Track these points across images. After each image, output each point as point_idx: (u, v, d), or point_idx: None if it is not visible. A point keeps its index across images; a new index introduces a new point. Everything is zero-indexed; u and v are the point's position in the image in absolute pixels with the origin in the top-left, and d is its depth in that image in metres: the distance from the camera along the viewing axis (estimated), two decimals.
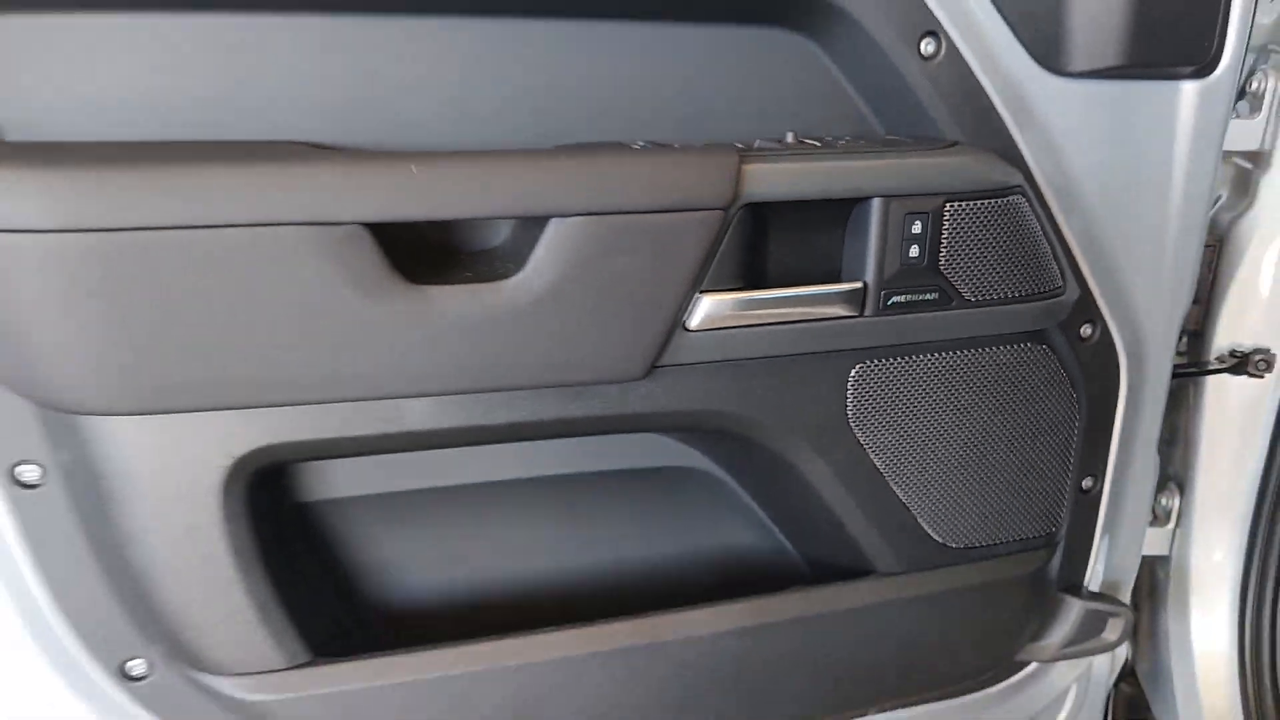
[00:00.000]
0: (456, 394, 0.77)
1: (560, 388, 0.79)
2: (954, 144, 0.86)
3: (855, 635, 0.94)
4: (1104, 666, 1.27)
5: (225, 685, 0.81)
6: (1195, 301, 1.15)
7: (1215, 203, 1.14)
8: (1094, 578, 1.11)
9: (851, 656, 0.95)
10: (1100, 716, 1.31)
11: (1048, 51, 0.88)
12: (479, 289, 0.74)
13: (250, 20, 0.76)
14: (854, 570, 0.95)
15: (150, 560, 0.77)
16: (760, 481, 0.98)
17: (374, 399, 0.75)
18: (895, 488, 0.91)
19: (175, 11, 0.74)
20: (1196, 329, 1.16)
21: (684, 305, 0.78)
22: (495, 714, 0.85)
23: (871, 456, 0.89)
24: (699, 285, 0.78)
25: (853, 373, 0.86)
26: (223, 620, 0.79)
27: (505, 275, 0.75)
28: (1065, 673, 1.19)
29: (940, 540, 0.95)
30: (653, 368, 0.80)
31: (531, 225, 0.75)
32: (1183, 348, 1.18)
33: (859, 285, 0.83)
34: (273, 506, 0.87)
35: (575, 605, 0.96)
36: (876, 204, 0.81)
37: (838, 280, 0.84)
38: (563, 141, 0.83)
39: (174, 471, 0.75)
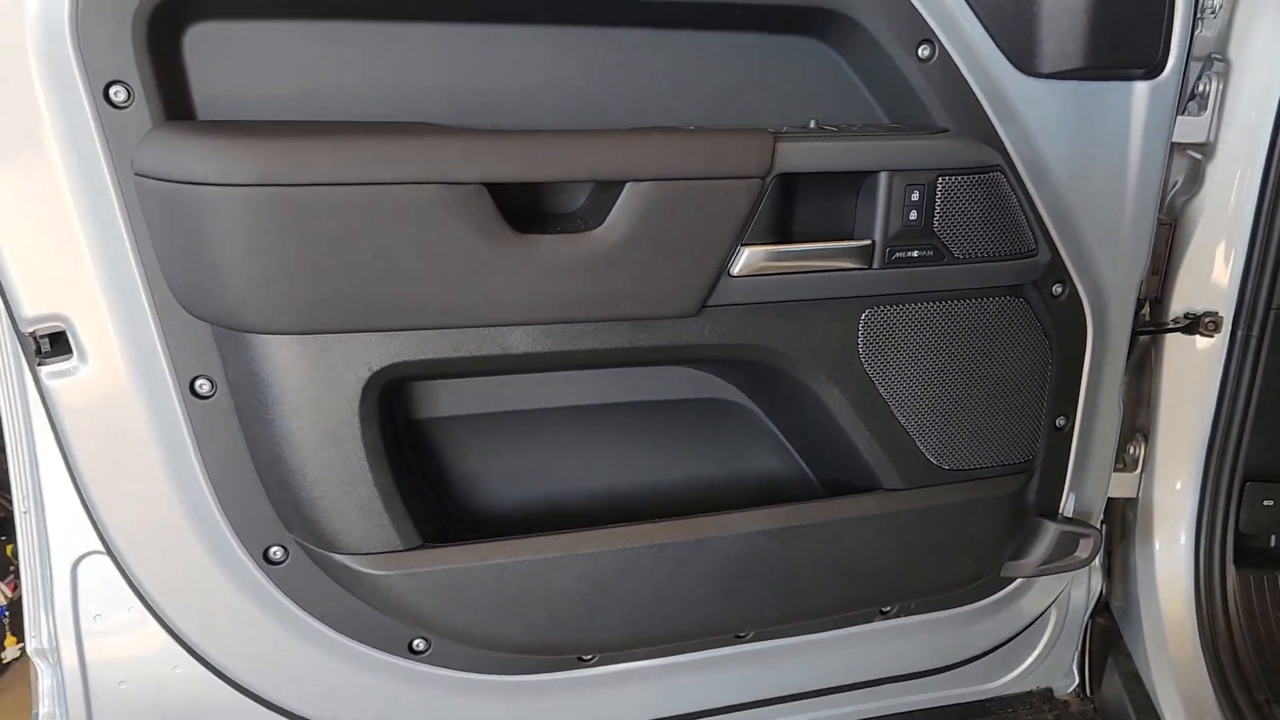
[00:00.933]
0: (548, 323, 0.96)
1: (630, 321, 0.98)
2: (945, 130, 1.06)
3: (864, 538, 1.12)
4: (1081, 597, 1.46)
5: (353, 563, 1.00)
6: (1154, 273, 1.34)
7: (1171, 188, 1.34)
8: (1067, 507, 1.29)
9: (862, 557, 1.13)
10: (1078, 642, 1.50)
11: (1023, 56, 1.07)
12: (570, 238, 0.93)
13: (386, 27, 0.96)
14: (862, 488, 1.14)
15: (297, 458, 0.96)
16: (785, 410, 1.17)
17: (485, 326, 0.95)
18: (897, 414, 1.10)
19: (331, 19, 0.94)
20: (1156, 296, 1.35)
21: (729, 255, 0.98)
22: (570, 591, 1.03)
23: (878, 386, 1.08)
24: (741, 239, 0.97)
25: (863, 316, 1.06)
26: (354, 508, 0.98)
27: (590, 229, 0.94)
28: (1044, 594, 1.37)
29: (935, 461, 1.13)
30: (703, 307, 0.99)
31: (610, 188, 0.94)
32: (1146, 313, 1.37)
33: (868, 242, 1.02)
34: (393, 420, 1.06)
35: (633, 508, 1.15)
36: (883, 176, 1.00)
37: (851, 238, 1.03)
38: (630, 124, 1.03)
39: (322, 382, 0.94)
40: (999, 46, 1.06)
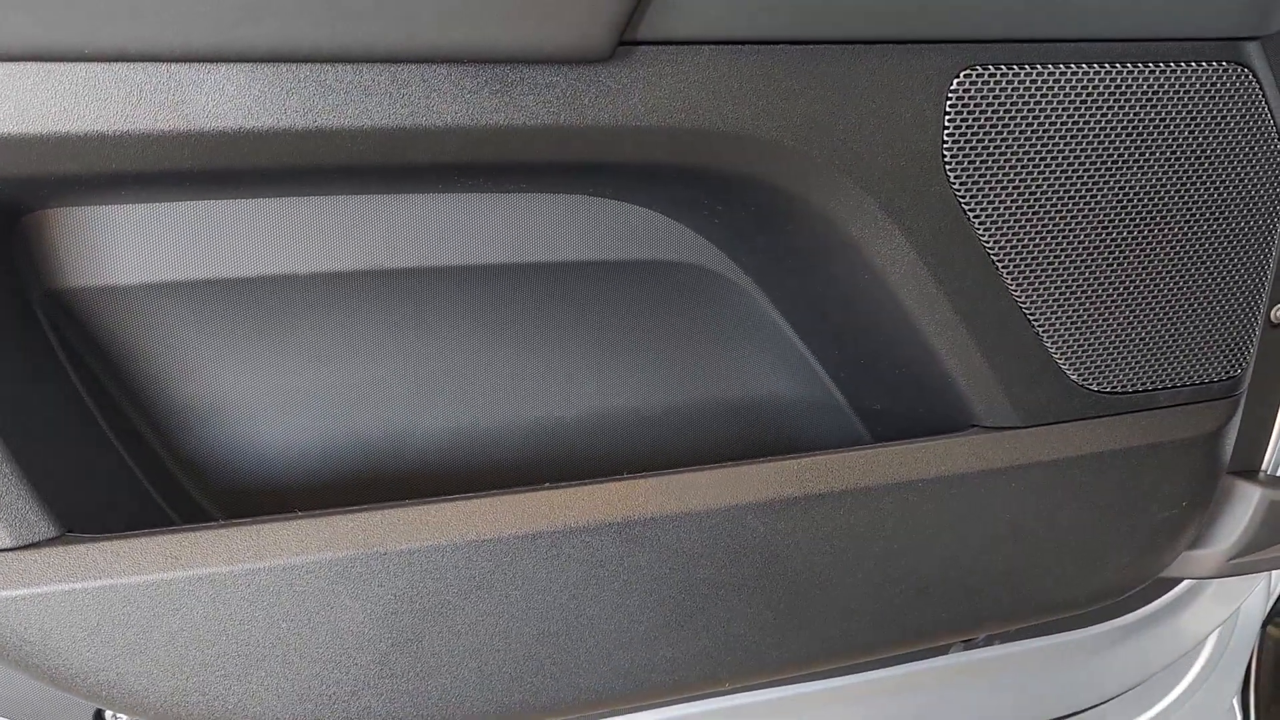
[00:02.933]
0: (279, 61, 0.44)
1: (467, 65, 0.47)
2: None
3: (942, 518, 0.61)
4: (1256, 602, 0.95)
5: None
6: None
7: None
8: (1272, 461, 0.78)
9: (936, 551, 0.62)
10: (1244, 667, 0.99)
11: None
12: None
13: None
14: (940, 426, 0.63)
15: None
16: (796, 280, 0.65)
17: (127, 59, 0.43)
18: (1011, 286, 0.58)
19: None
20: None
21: None
22: (377, 625, 0.52)
23: (977, 229, 0.56)
24: None
25: (955, 82, 0.53)
26: None
27: None
28: (1220, 604, 0.86)
29: (1077, 379, 0.62)
30: (622, 43, 0.47)
31: None
32: None
33: None
34: (9, 288, 0.54)
35: (506, 466, 0.64)
36: None
37: None
38: None
39: None
40: None
